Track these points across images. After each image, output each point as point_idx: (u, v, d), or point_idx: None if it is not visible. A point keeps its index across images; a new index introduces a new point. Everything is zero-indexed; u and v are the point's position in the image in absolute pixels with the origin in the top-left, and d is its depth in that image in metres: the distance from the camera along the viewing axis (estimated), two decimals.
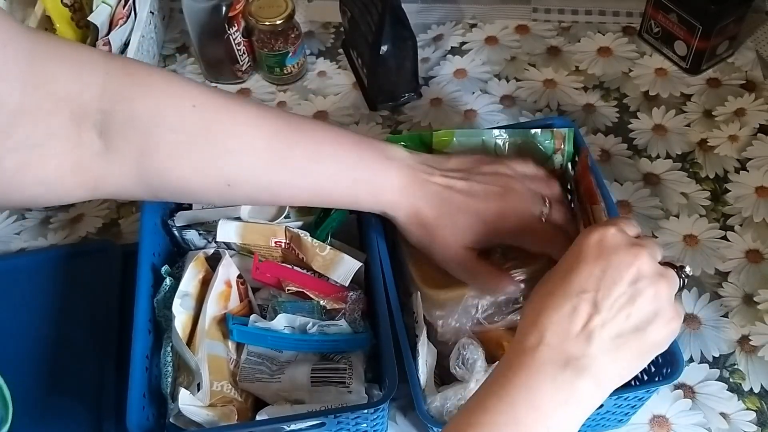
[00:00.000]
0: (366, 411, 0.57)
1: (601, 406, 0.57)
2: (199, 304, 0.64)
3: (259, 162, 0.57)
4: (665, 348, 0.50)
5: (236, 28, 0.87)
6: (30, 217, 0.82)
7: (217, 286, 0.64)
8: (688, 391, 0.68)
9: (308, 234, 0.66)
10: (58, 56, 0.52)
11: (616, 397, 0.58)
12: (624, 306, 0.47)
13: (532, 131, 0.69)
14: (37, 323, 0.73)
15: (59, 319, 0.73)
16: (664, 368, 0.59)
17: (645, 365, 0.50)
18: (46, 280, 0.76)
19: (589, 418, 0.59)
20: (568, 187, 0.70)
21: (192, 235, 0.69)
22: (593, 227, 0.50)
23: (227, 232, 0.66)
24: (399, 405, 0.68)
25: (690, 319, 0.72)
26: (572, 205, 0.67)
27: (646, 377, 0.62)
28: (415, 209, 0.60)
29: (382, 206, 0.61)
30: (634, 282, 0.47)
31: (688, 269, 0.53)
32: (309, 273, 0.66)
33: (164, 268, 0.66)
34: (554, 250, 0.57)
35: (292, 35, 0.89)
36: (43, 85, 0.51)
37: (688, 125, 0.86)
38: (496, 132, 0.69)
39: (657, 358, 0.59)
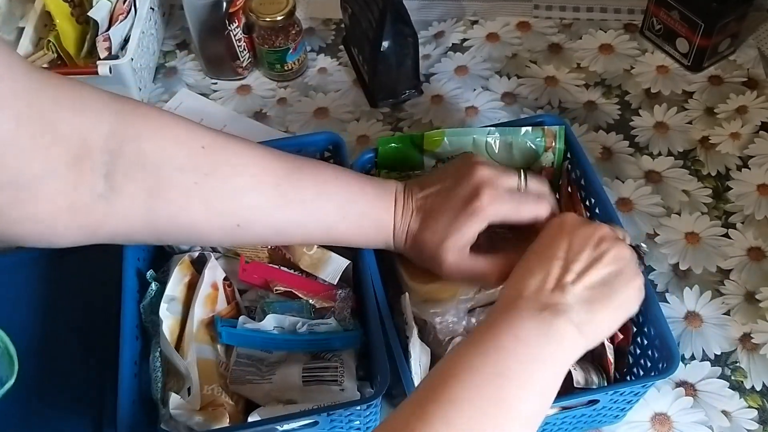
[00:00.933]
0: (358, 408, 0.57)
1: (597, 401, 0.58)
2: (186, 308, 0.64)
3: (269, 201, 0.58)
4: (636, 307, 0.55)
5: (237, 24, 0.87)
6: None
7: (204, 289, 0.63)
8: (690, 389, 0.67)
9: None
10: (64, 95, 0.50)
11: (612, 392, 0.58)
12: (591, 264, 0.53)
13: (523, 129, 0.69)
14: (33, 322, 0.72)
15: (55, 318, 0.73)
16: (660, 363, 0.59)
17: (621, 321, 0.55)
18: (43, 277, 0.75)
19: (584, 414, 0.60)
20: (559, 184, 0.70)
21: None
22: (555, 215, 0.59)
23: None
24: (396, 403, 0.67)
25: (691, 317, 0.72)
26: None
27: (642, 372, 0.62)
28: (411, 235, 0.61)
29: (387, 242, 0.62)
30: (597, 245, 0.54)
31: (644, 246, 0.60)
32: (296, 273, 0.66)
33: (149, 273, 0.66)
34: (541, 214, 0.60)
35: (293, 32, 0.88)
36: (42, 120, 0.48)
37: (690, 123, 0.86)
38: (486, 131, 0.69)
39: (653, 353, 0.59)
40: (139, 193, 0.53)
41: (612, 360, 0.61)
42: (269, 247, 0.66)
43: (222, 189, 0.56)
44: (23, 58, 0.52)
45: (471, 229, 0.59)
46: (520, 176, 0.62)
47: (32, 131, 0.47)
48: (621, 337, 0.61)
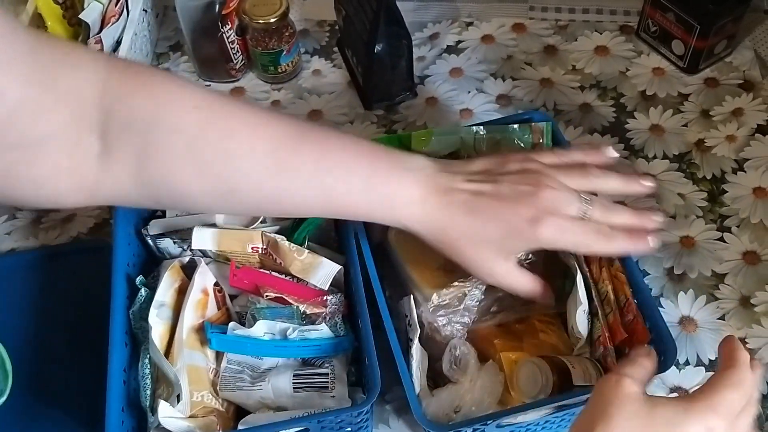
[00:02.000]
0: (350, 414, 0.57)
1: None
2: (176, 313, 0.63)
3: (260, 167, 0.54)
4: None
5: (230, 26, 0.87)
6: (21, 217, 0.81)
7: (194, 295, 0.63)
8: (684, 395, 0.67)
9: (285, 238, 0.65)
10: (60, 53, 0.50)
11: None
12: None
13: (511, 127, 0.69)
14: (28, 324, 0.72)
15: (46, 323, 0.72)
16: (657, 357, 0.58)
17: None
18: (37, 280, 0.75)
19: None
20: None
21: (167, 244, 0.67)
22: (611, 376, 0.46)
23: (203, 239, 0.65)
24: (393, 407, 0.67)
25: (686, 322, 0.71)
26: None
27: None
28: (440, 225, 0.57)
29: (399, 219, 0.57)
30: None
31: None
32: (287, 278, 0.65)
33: (139, 279, 0.65)
34: (601, 248, 0.57)
35: (287, 33, 0.88)
36: (45, 80, 0.48)
37: (686, 125, 0.85)
38: (474, 129, 0.69)
39: (649, 347, 0.59)
40: (130, 155, 0.52)
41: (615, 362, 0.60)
42: (260, 251, 0.65)
43: (213, 152, 0.53)
44: (19, 21, 0.51)
45: (526, 249, 0.58)
46: (587, 202, 0.57)
47: (38, 91, 0.48)
48: (625, 336, 0.60)
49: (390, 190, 0.56)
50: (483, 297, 0.62)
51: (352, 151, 0.57)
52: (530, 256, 0.61)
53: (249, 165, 0.54)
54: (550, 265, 0.63)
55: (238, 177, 0.55)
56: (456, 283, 0.61)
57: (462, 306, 0.61)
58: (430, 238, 0.58)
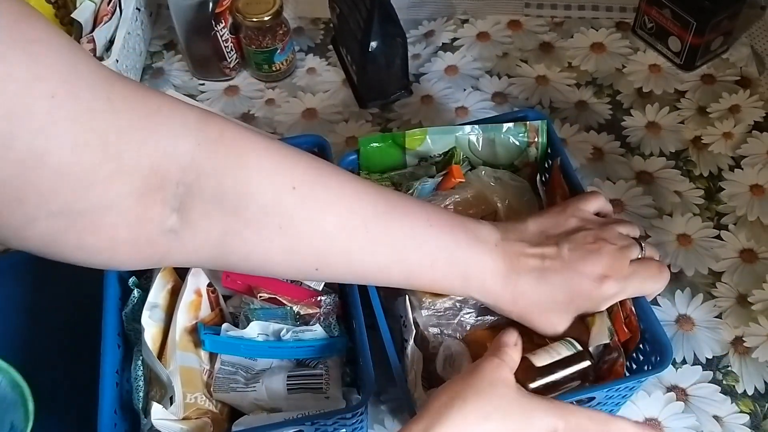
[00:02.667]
0: (344, 416, 0.56)
1: (593, 398, 0.57)
2: (169, 315, 0.62)
3: (354, 245, 0.53)
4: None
5: (223, 24, 0.86)
6: None
7: (187, 296, 0.62)
8: (681, 394, 0.67)
9: None
10: (136, 114, 0.43)
11: (607, 389, 0.58)
12: None
13: (505, 126, 0.68)
14: (20, 325, 0.72)
15: (43, 322, 0.72)
16: (652, 357, 0.58)
17: None
18: (29, 281, 0.75)
19: None
20: (541, 179, 0.70)
21: None
22: (493, 358, 0.54)
23: None
24: (389, 408, 0.67)
25: (683, 320, 0.71)
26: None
27: (635, 366, 0.61)
28: (510, 297, 0.58)
29: (469, 292, 0.58)
30: None
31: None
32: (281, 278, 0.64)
33: (132, 280, 0.64)
34: (662, 283, 0.60)
35: (281, 32, 0.87)
36: (104, 148, 0.42)
37: (682, 122, 0.85)
38: (468, 128, 0.68)
39: (645, 346, 0.59)
40: (213, 231, 0.48)
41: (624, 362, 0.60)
42: None
43: (309, 232, 0.51)
44: (94, 61, 0.43)
45: (593, 309, 0.59)
46: (640, 247, 0.59)
47: (91, 160, 0.41)
48: (629, 335, 0.60)
49: (469, 263, 0.57)
50: (478, 319, 0.61)
51: (437, 226, 0.56)
52: None
53: (342, 246, 0.53)
54: None
55: (330, 254, 0.53)
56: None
57: (455, 321, 0.61)
58: (501, 307, 0.59)
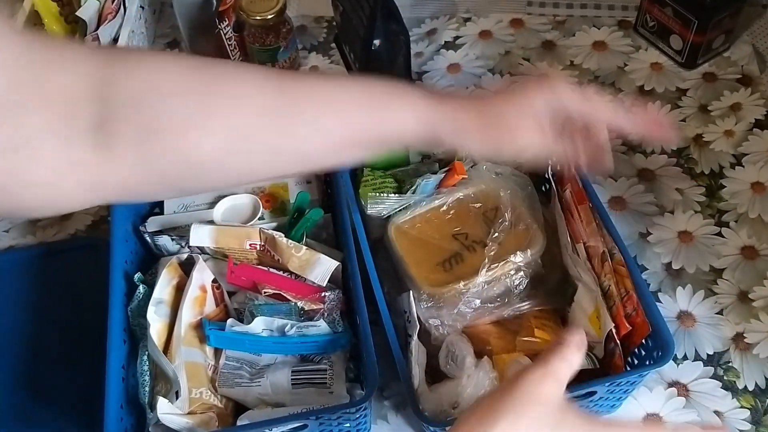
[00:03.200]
0: (348, 411, 0.57)
1: (594, 392, 0.58)
2: (174, 310, 0.63)
3: (271, 105, 0.52)
4: None
5: (227, 22, 0.86)
6: None
7: (192, 292, 0.63)
8: (682, 389, 0.67)
9: (283, 235, 0.65)
10: (54, 53, 0.49)
11: (609, 383, 0.58)
12: None
13: None
14: (27, 321, 0.72)
15: (49, 318, 0.72)
16: (654, 352, 0.58)
17: None
18: (35, 278, 0.75)
19: (582, 405, 0.60)
20: (549, 177, 0.70)
21: (164, 241, 0.67)
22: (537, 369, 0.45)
23: (200, 236, 0.65)
24: (392, 403, 0.67)
25: (684, 317, 0.71)
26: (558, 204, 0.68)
27: (636, 362, 0.61)
28: (458, 117, 0.53)
29: (425, 125, 0.52)
30: None
31: None
32: (285, 274, 0.65)
33: (137, 276, 0.65)
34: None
35: (284, 30, 0.88)
36: (31, 83, 0.47)
37: (684, 120, 0.85)
38: None
39: (647, 341, 0.59)
40: (132, 133, 0.49)
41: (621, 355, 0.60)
42: (258, 248, 0.65)
43: (219, 102, 0.51)
44: (14, 23, 0.50)
45: (540, 97, 0.55)
46: None
47: (23, 94, 0.46)
48: (629, 328, 0.60)
49: (412, 102, 0.53)
50: (479, 305, 0.62)
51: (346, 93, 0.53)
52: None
53: (258, 105, 0.51)
54: (551, 263, 0.64)
55: (249, 120, 0.52)
56: (453, 285, 0.61)
57: (456, 311, 0.61)
58: (440, 130, 0.53)
